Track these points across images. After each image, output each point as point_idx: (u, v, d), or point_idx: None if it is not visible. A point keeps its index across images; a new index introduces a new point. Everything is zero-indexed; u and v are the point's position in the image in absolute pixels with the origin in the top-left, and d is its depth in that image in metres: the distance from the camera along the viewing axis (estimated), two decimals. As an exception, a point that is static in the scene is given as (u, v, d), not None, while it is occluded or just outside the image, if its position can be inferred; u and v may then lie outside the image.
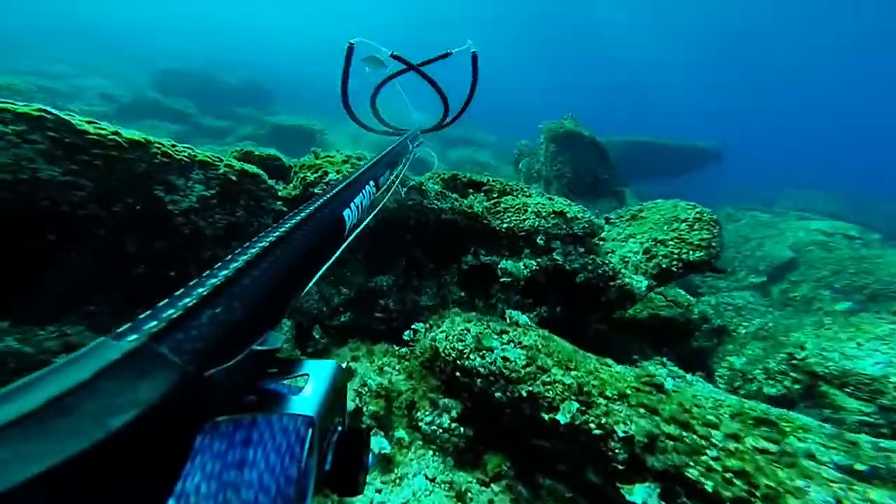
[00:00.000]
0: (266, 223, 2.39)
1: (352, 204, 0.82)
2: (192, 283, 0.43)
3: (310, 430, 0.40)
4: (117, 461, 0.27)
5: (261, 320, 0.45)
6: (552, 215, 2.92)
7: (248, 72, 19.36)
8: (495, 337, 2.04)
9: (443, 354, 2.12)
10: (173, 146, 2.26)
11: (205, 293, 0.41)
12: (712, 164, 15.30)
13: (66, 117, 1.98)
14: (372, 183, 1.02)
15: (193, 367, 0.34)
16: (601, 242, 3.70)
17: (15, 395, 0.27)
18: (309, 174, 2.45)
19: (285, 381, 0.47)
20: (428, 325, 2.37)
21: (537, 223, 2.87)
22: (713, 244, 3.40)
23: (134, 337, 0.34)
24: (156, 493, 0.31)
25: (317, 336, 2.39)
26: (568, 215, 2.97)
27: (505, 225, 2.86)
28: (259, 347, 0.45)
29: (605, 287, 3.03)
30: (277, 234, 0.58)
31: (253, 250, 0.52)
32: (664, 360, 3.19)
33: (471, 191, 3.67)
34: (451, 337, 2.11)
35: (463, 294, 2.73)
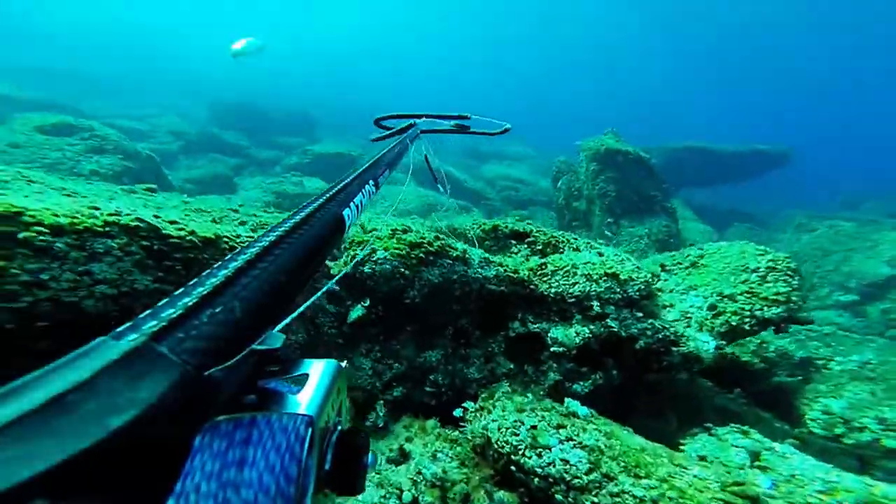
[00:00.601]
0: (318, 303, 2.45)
1: (352, 203, 0.83)
2: (191, 283, 0.43)
3: (309, 430, 0.40)
4: (117, 460, 0.27)
5: (261, 320, 0.45)
6: (604, 278, 2.76)
7: (295, 101, 20.72)
8: (552, 432, 1.94)
9: (495, 446, 2.05)
10: (237, 236, 2.39)
11: (204, 292, 0.41)
12: (776, 170, 14.02)
13: (155, 222, 2.16)
14: (371, 182, 1.02)
15: (193, 366, 0.34)
16: (658, 293, 3.46)
17: (15, 394, 0.27)
18: (358, 251, 2.50)
19: (285, 381, 0.46)
20: (478, 407, 2.31)
21: (588, 288, 2.72)
22: (793, 298, 3.06)
23: (134, 336, 0.34)
24: (155, 492, 0.30)
25: (381, 413, 2.40)
26: (621, 277, 2.80)
27: (553, 290, 2.74)
28: (259, 347, 0.44)
29: (667, 352, 2.81)
30: (278, 233, 0.57)
31: (253, 250, 0.51)
32: (746, 427, 2.87)
33: (513, 242, 3.58)
34: (503, 429, 2.04)
35: (512, 366, 2.65)
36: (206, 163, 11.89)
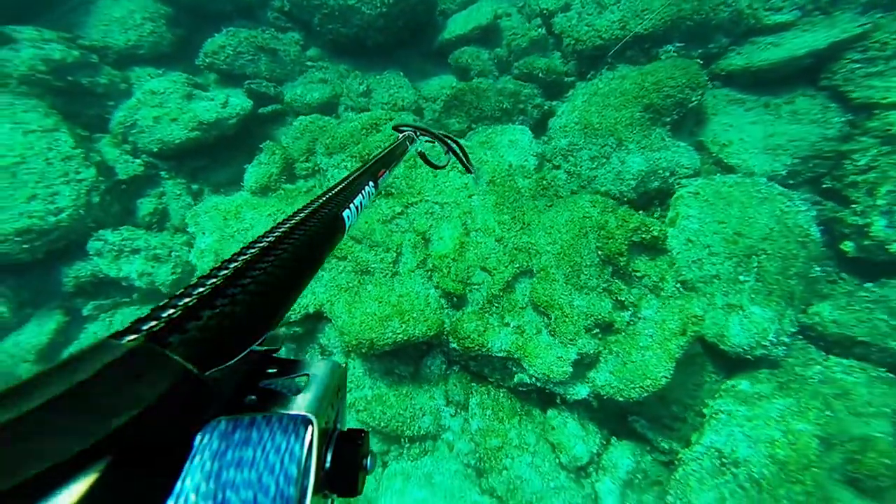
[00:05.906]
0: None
1: (351, 204, 0.85)
2: (191, 284, 0.45)
3: (309, 430, 0.41)
4: (116, 461, 0.27)
5: (261, 320, 0.47)
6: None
7: None
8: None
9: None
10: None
11: (204, 293, 0.43)
12: None
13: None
14: (371, 183, 1.03)
15: (193, 366, 0.35)
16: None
17: (14, 394, 0.28)
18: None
19: (285, 381, 0.48)
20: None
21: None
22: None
23: (133, 337, 0.35)
24: (154, 492, 0.31)
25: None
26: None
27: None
28: (259, 347, 0.46)
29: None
30: (277, 234, 0.60)
31: (252, 251, 0.53)
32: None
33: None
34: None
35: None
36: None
